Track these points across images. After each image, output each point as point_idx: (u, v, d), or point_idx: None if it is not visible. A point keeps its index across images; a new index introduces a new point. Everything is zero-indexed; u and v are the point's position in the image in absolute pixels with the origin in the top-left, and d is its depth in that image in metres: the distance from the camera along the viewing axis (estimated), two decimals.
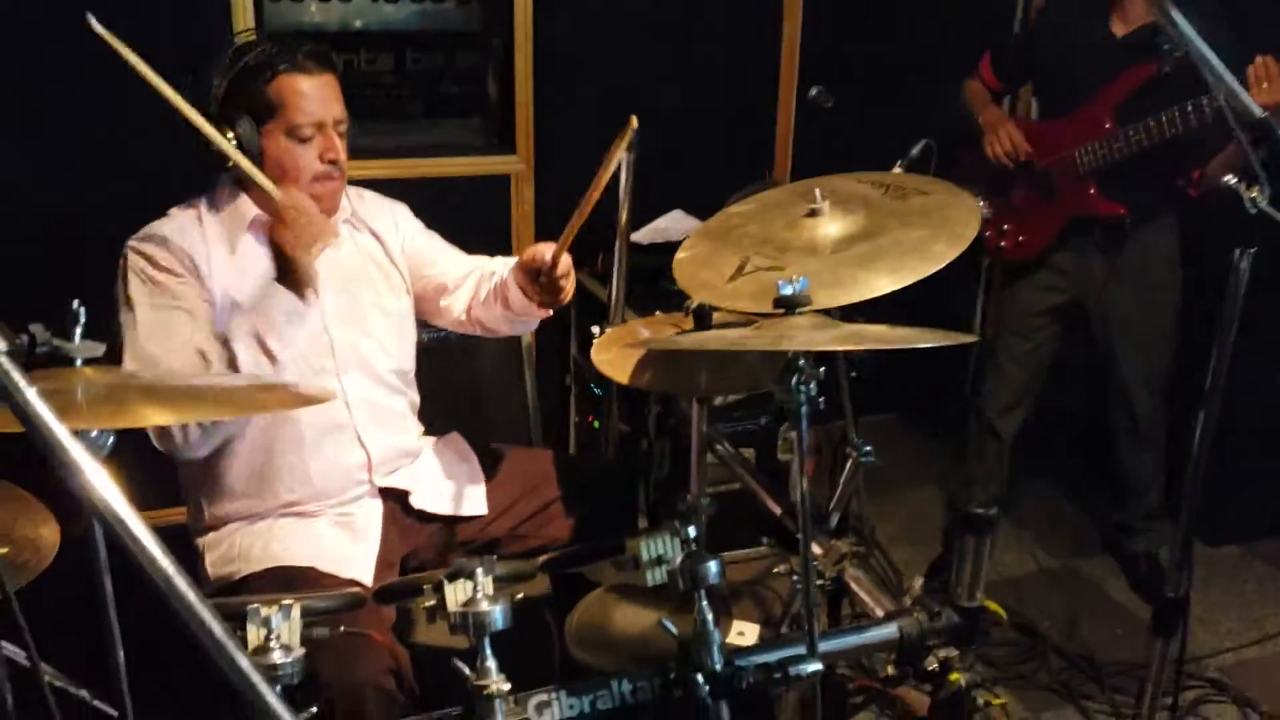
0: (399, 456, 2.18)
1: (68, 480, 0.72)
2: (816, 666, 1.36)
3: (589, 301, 3.41)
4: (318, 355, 2.03)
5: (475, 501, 2.20)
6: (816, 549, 1.89)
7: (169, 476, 2.08)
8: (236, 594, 1.95)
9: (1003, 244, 3.12)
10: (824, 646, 1.44)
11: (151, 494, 1.64)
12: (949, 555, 3.33)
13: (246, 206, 2.00)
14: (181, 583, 0.73)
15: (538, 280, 2.03)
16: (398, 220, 2.26)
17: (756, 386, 2.08)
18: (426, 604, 1.41)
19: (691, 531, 1.42)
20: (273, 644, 1.26)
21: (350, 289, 2.11)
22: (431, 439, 2.30)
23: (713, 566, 1.39)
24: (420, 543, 2.17)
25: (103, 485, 0.74)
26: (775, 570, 1.84)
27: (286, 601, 1.29)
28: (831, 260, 1.70)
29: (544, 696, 1.38)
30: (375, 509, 2.11)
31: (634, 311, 2.95)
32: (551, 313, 2.16)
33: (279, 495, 2.01)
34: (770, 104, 3.81)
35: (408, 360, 2.23)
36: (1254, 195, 1.56)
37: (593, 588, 1.88)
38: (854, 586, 1.78)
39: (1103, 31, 2.88)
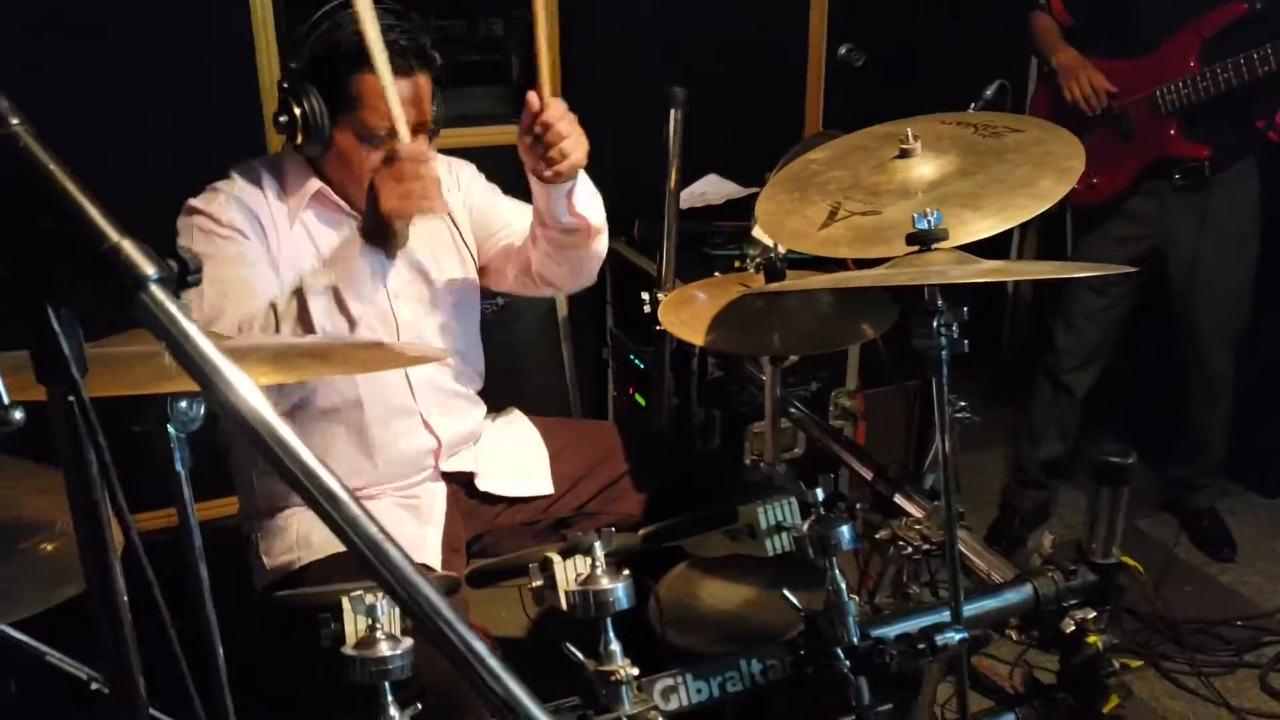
0: (464, 440, 2.07)
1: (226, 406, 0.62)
2: (964, 634, 1.24)
3: (628, 272, 3.29)
4: (382, 332, 1.92)
5: (541, 480, 2.08)
6: (917, 511, 1.78)
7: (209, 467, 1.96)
8: (296, 585, 1.84)
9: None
10: (965, 611, 1.32)
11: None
12: (1009, 517, 3.25)
13: (312, 183, 1.87)
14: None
15: (538, 144, 1.80)
16: (461, 180, 2.12)
17: (830, 345, 1.95)
18: (534, 584, 1.29)
19: (820, 493, 1.30)
20: (379, 634, 1.14)
21: (416, 263, 1.98)
22: (491, 416, 2.18)
23: (845, 531, 1.28)
24: (485, 525, 2.05)
25: (262, 406, 0.66)
26: (876, 536, 1.71)
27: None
28: (930, 200, 1.58)
29: (669, 681, 1.27)
30: (439, 491, 1.99)
31: (679, 279, 2.83)
32: (593, 225, 1.99)
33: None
34: (800, 63, 3.68)
35: (473, 341, 2.12)
36: None
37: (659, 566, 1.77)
38: (966, 550, 1.67)
39: None
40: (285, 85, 1.79)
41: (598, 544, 1.22)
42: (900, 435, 2.47)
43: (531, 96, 1.79)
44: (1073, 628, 1.43)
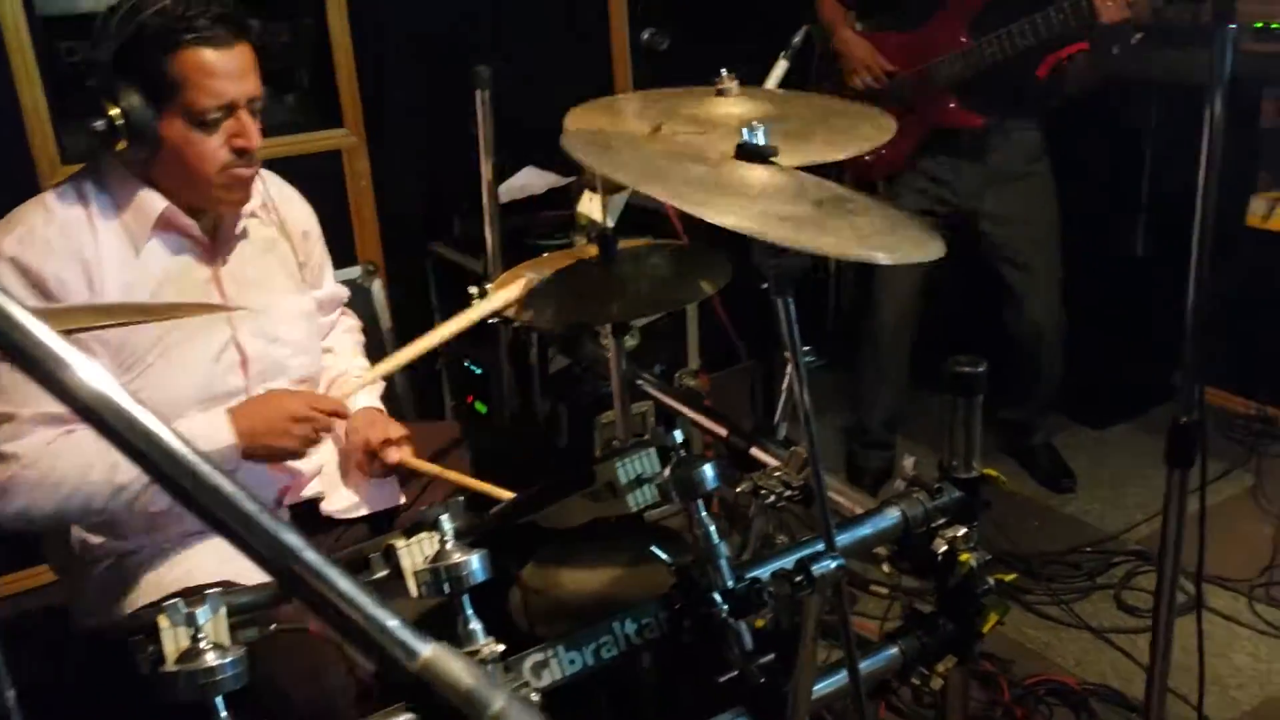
0: (312, 470, 1.91)
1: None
2: (840, 561, 1.19)
3: (452, 275, 3.17)
4: (224, 373, 1.74)
5: (389, 492, 1.94)
6: (773, 460, 1.74)
7: None
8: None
9: (865, 157, 3.05)
10: (840, 545, 1.27)
11: None
12: (857, 480, 3.27)
13: (152, 201, 1.66)
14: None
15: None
16: (306, 222, 1.99)
17: (670, 305, 1.90)
18: (378, 576, 1.17)
19: (677, 436, 1.23)
20: (204, 644, 1.00)
21: (261, 291, 1.82)
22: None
23: (708, 470, 1.21)
24: (335, 547, 1.90)
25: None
26: (737, 490, 1.65)
27: (211, 592, 1.04)
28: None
29: (539, 656, 1.17)
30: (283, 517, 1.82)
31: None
32: None
33: (183, 522, 1.69)
34: (605, 51, 3.63)
35: (318, 364, 1.97)
36: None
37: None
38: (832, 491, 1.62)
39: None
40: (93, 84, 1.59)
41: (444, 516, 1.11)
42: (745, 414, 2.46)
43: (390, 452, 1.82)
44: (944, 548, 1.40)
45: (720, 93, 1.60)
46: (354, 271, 2.97)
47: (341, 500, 1.91)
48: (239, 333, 1.76)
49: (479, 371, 3.10)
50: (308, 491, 1.89)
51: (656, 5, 3.54)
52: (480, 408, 3.08)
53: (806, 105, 1.71)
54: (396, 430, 1.88)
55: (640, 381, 2.10)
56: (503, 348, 2.47)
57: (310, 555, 0.55)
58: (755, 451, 1.80)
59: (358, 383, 1.93)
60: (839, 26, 3.02)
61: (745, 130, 1.17)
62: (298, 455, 1.70)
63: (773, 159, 1.17)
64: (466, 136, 2.47)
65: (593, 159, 1.37)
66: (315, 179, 3.12)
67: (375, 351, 3.09)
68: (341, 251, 2.36)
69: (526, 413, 2.75)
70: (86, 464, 1.55)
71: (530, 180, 3.16)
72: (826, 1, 3.07)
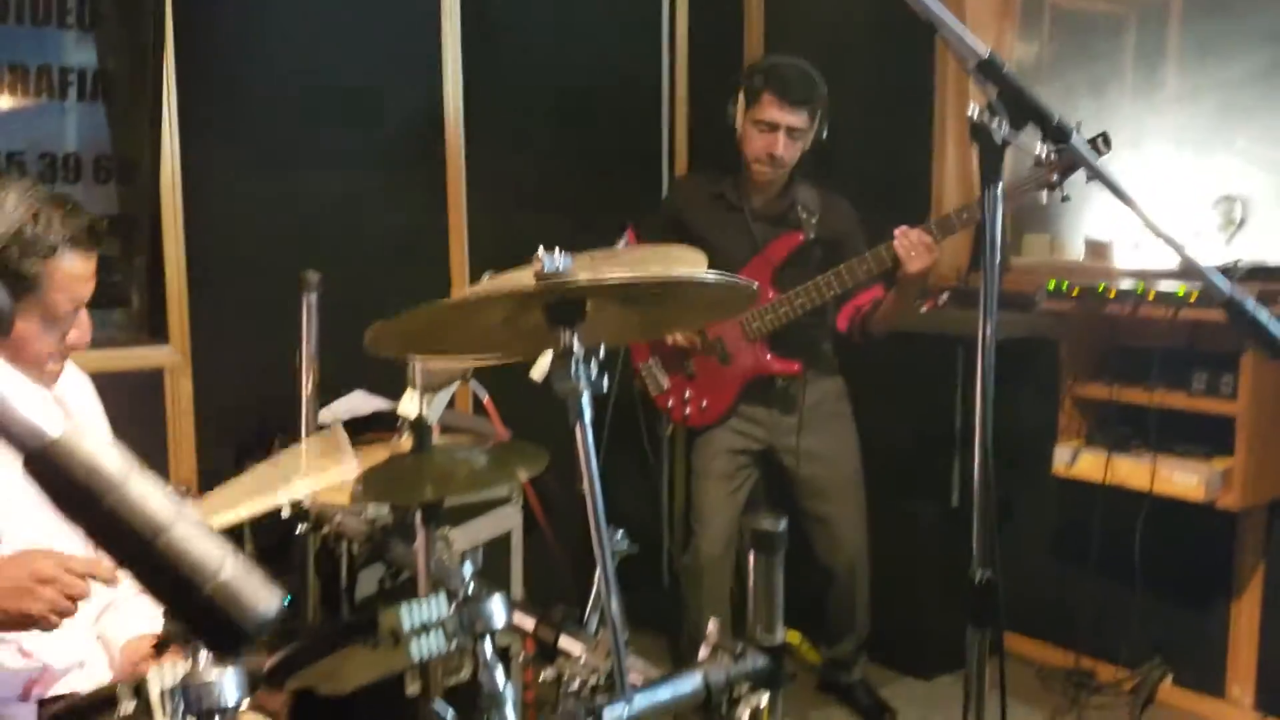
0: (67, 664, 1.74)
1: None
2: (634, 710, 1.13)
3: None
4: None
5: None
6: (577, 648, 1.66)
7: None
8: None
9: (688, 411, 3.17)
10: (637, 704, 1.21)
11: None
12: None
13: None
14: None
15: None
16: (90, 405, 1.97)
17: (483, 487, 1.86)
18: (123, 714, 1.05)
19: (468, 569, 1.18)
20: None
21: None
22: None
23: (496, 603, 1.15)
24: None
25: None
26: (540, 680, 1.57)
27: None
28: None
29: None
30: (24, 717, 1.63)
31: None
32: None
33: None
34: (443, 259, 3.73)
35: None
36: None
37: None
38: (632, 677, 1.55)
39: (740, 205, 3.08)
40: None
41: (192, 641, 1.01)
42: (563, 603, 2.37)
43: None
44: (747, 714, 1.34)
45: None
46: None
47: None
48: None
49: (287, 599, 2.93)
50: (63, 687, 1.70)
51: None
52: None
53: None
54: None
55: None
56: (309, 560, 2.35)
57: None
58: (563, 642, 1.72)
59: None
60: None
61: (545, 258, 1.20)
62: (46, 622, 1.53)
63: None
64: (296, 355, 2.45)
65: (396, 347, 1.39)
66: (133, 398, 3.06)
67: None
68: (155, 471, 2.26)
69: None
70: None
71: (358, 404, 3.12)
72: (630, 243, 3.21)
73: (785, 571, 2.72)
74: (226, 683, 0.99)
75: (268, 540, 3.09)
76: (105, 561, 1.64)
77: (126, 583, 1.92)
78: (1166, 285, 2.89)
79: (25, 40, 2.95)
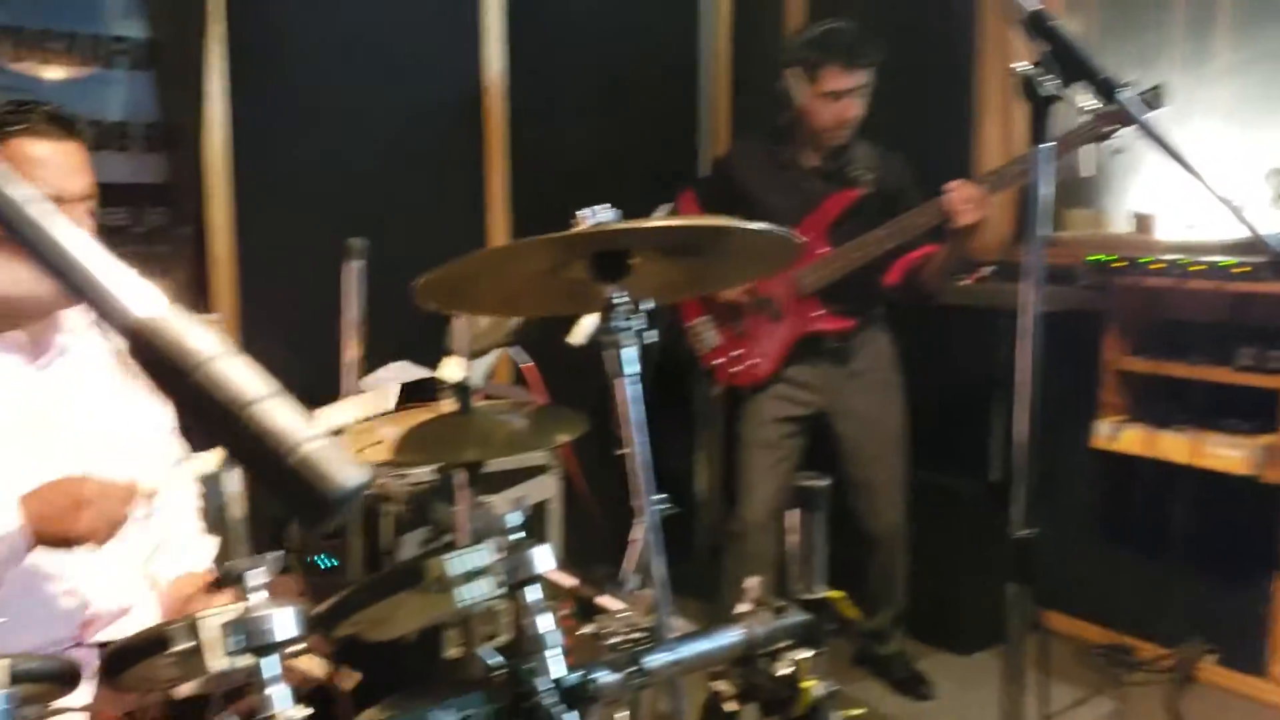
0: (122, 610, 1.79)
1: None
2: (675, 656, 1.14)
3: None
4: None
5: None
6: (617, 604, 1.69)
7: None
8: None
9: (738, 369, 3.16)
10: (678, 652, 1.22)
11: None
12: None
13: None
14: None
15: None
16: None
17: (523, 449, 1.90)
18: (179, 648, 1.08)
19: (513, 519, 1.20)
20: None
21: (84, 408, 1.76)
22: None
23: (541, 552, 1.17)
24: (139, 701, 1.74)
25: None
26: (579, 634, 1.60)
27: None
28: None
29: None
30: (88, 659, 1.68)
31: None
32: None
33: None
34: (482, 227, 3.75)
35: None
36: None
37: None
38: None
39: (795, 165, 3.08)
40: None
41: (249, 571, 1.04)
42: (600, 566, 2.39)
43: None
44: (788, 669, 1.35)
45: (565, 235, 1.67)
46: (211, 459, 2.88)
47: None
48: (56, 447, 1.69)
49: (332, 564, 2.97)
50: (114, 631, 1.75)
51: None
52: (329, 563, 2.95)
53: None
54: (220, 601, 1.78)
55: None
56: (353, 521, 2.39)
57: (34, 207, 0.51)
58: (603, 600, 1.75)
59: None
60: None
61: (591, 211, 1.21)
62: (93, 538, 1.59)
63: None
64: (340, 324, 2.49)
65: (443, 300, 1.41)
66: None
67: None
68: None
69: None
70: None
71: (401, 373, 3.15)
72: (687, 206, 3.23)
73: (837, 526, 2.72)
74: (282, 618, 1.01)
75: None
76: (143, 481, 1.69)
77: (174, 523, 1.97)
78: (1211, 258, 2.86)
79: (76, 9, 2.99)
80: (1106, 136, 2.06)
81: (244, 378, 0.50)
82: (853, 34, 2.94)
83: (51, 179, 1.61)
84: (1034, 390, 1.35)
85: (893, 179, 3.04)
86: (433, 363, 3.25)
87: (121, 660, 1.12)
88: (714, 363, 3.18)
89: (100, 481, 1.61)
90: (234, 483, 2.91)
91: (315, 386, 3.18)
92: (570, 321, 2.20)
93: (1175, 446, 3.00)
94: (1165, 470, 3.04)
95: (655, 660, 1.12)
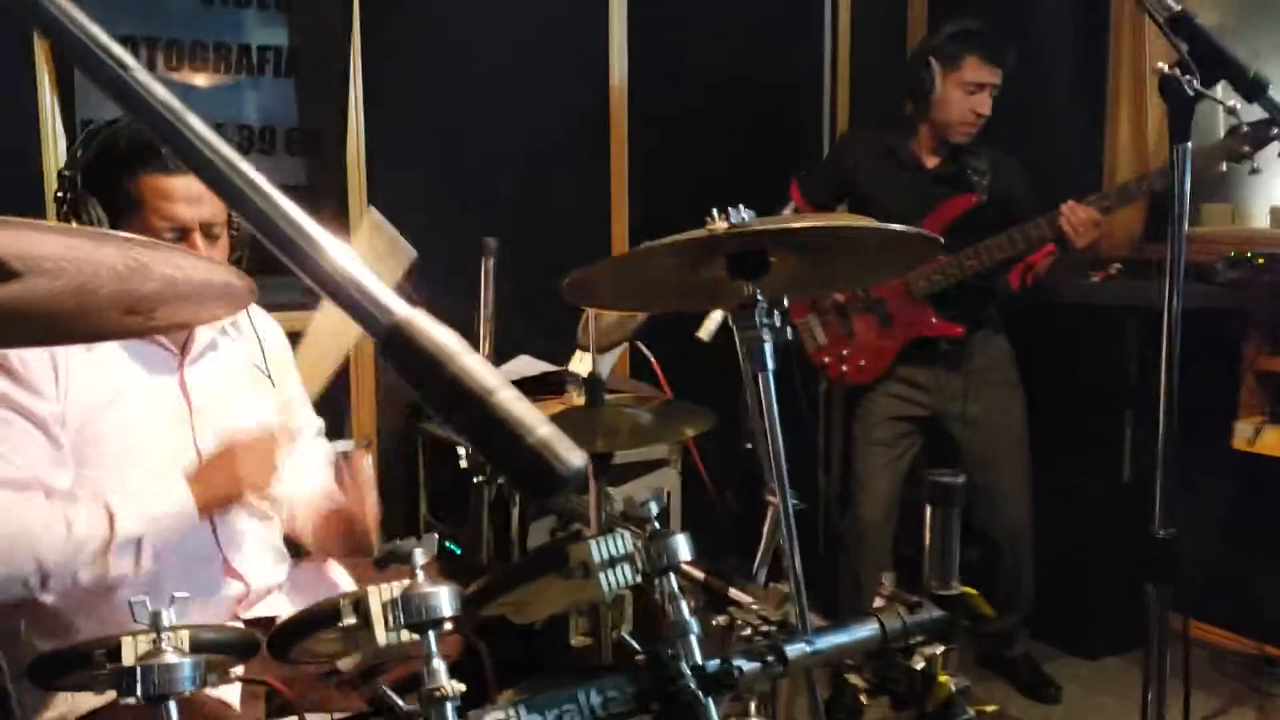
0: (269, 588, 1.91)
1: None
2: (814, 646, 1.17)
3: (440, 453, 3.21)
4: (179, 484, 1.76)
5: None
6: (747, 597, 1.72)
7: None
8: None
9: (844, 369, 3.17)
10: (817, 642, 1.25)
11: None
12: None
13: None
14: None
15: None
16: (283, 353, 2.09)
17: (650, 441, 1.94)
18: (345, 623, 1.15)
19: (653, 508, 1.24)
20: (165, 646, 0.98)
21: (226, 401, 1.88)
22: (294, 563, 2.03)
23: (681, 541, 1.21)
24: (287, 672, 1.85)
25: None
26: (713, 623, 1.63)
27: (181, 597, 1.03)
28: None
29: (500, 714, 1.13)
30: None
31: None
32: None
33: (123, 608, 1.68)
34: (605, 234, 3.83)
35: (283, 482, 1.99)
36: None
37: None
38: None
39: (914, 164, 3.07)
40: (61, 195, 1.73)
41: (418, 550, 1.11)
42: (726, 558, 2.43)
43: None
44: (922, 664, 1.37)
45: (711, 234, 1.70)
46: (347, 444, 3.00)
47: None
48: (200, 436, 1.81)
49: (459, 551, 3.08)
50: (263, 609, 1.86)
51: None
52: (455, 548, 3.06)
53: None
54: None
55: (618, 529, 2.09)
56: (485, 507, 2.47)
57: (301, 219, 0.58)
58: (733, 592, 1.78)
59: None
60: None
61: (731, 211, 1.25)
62: (257, 488, 1.75)
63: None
64: (466, 318, 2.57)
65: (582, 297, 1.48)
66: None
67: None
68: (334, 425, 2.42)
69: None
70: (42, 520, 1.59)
71: (525, 366, 3.24)
72: (794, 197, 3.23)
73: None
74: (443, 596, 1.08)
75: (442, 486, 3.27)
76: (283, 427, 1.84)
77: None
78: None
79: (225, 21, 3.16)
80: (1246, 157, 2.04)
81: (485, 370, 0.55)
82: (995, 32, 2.96)
83: (177, 211, 1.72)
84: (1172, 390, 1.33)
85: (1009, 186, 3.02)
86: (554, 358, 3.36)
87: (292, 633, 1.20)
88: (823, 360, 3.20)
89: (240, 446, 1.73)
90: (369, 470, 3.04)
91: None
92: (697, 319, 2.25)
93: None
94: None
95: (794, 650, 1.15)
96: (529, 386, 3.15)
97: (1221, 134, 2.41)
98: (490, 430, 0.54)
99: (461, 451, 2.32)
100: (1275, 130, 1.77)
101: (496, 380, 0.56)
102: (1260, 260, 2.93)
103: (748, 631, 1.62)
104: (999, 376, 3.12)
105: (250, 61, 3.21)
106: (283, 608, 1.89)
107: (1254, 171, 1.97)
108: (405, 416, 3.37)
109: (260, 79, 3.23)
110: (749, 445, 2.24)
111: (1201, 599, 3.38)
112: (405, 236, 3.34)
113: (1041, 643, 3.40)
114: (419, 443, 3.35)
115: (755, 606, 1.66)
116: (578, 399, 2.11)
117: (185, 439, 1.79)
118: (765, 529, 1.90)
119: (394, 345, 0.56)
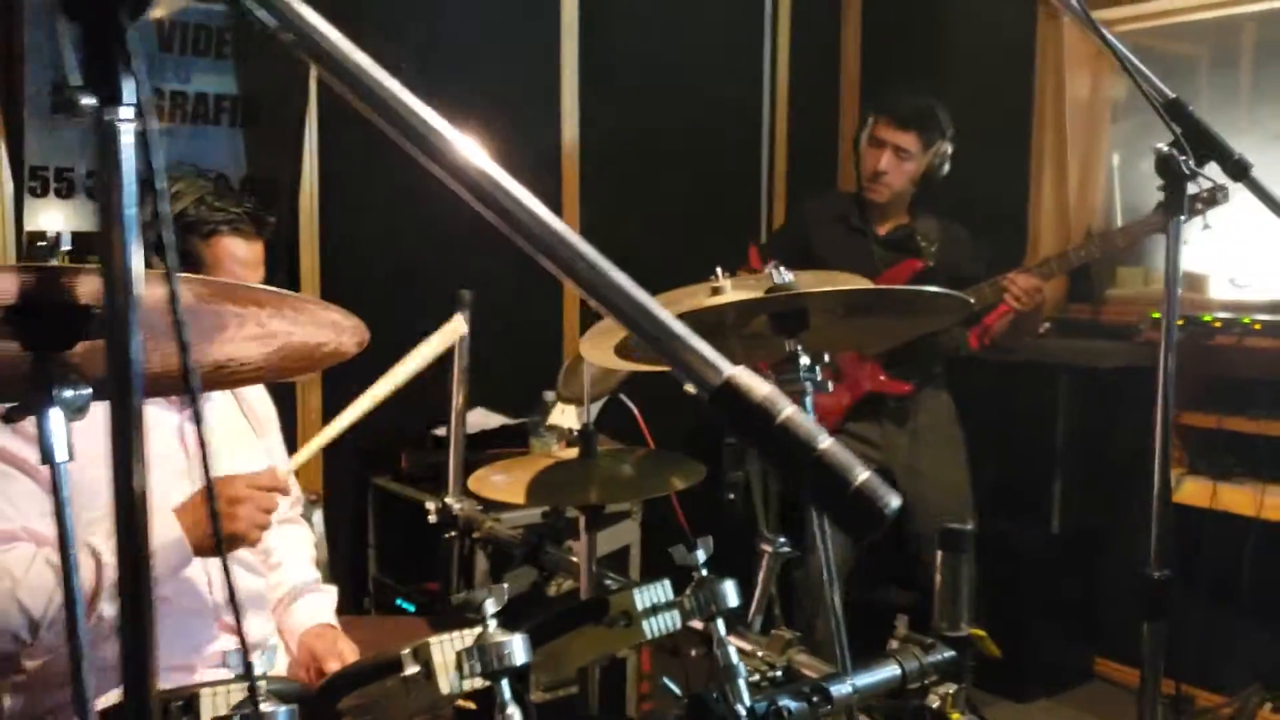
0: (260, 642, 1.90)
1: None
2: (858, 686, 1.23)
3: (394, 511, 3.19)
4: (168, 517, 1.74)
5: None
6: (746, 645, 1.77)
7: None
8: None
9: None
10: (858, 683, 1.31)
11: None
12: None
13: None
14: None
15: None
16: (267, 411, 2.13)
17: (640, 494, 1.98)
18: (407, 673, 1.16)
19: (700, 555, 1.29)
20: (260, 696, 0.99)
21: (222, 448, 1.88)
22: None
23: (728, 587, 1.26)
24: None
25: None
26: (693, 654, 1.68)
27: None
28: None
29: None
30: None
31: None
32: None
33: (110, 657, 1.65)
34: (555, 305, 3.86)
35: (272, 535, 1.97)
36: None
37: None
38: (805, 672, 1.65)
39: (864, 229, 3.21)
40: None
41: (489, 600, 1.13)
42: None
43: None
44: (937, 703, 1.44)
45: (715, 290, 1.77)
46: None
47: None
48: (197, 482, 1.80)
49: (412, 610, 3.06)
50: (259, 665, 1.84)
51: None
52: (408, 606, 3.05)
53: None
54: (349, 652, 1.89)
55: (609, 581, 2.12)
56: (454, 562, 2.46)
57: (644, 298, 0.63)
58: (732, 640, 1.82)
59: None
60: None
61: (772, 271, 1.31)
62: (249, 540, 1.69)
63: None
64: (438, 371, 2.58)
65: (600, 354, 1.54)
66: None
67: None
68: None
69: None
70: (24, 565, 1.57)
71: (479, 420, 3.24)
72: (754, 263, 3.34)
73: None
74: (516, 645, 1.10)
75: (392, 542, 3.25)
76: (279, 471, 1.80)
77: (298, 570, 2.07)
78: (1265, 317, 2.97)
79: (184, 69, 3.13)
80: (1199, 214, 2.19)
81: (807, 422, 0.60)
82: (910, 98, 3.12)
83: (242, 274, 1.79)
84: (1167, 442, 1.43)
85: (956, 253, 3.16)
86: (508, 410, 3.37)
87: (347, 683, 1.21)
88: None
89: (244, 476, 1.72)
90: (319, 525, 3.01)
91: (397, 432, 3.29)
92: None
93: (1237, 499, 3.08)
94: (1229, 521, 3.12)
95: (839, 690, 1.20)
96: (489, 441, 3.16)
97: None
98: (820, 476, 0.59)
99: (430, 506, 2.31)
100: (1221, 196, 1.91)
101: (817, 429, 0.61)
102: (1180, 321, 3.12)
103: (755, 678, 1.67)
104: (944, 433, 3.24)
105: (207, 109, 3.19)
106: (271, 664, 1.87)
107: (1206, 228, 2.11)
108: (356, 471, 3.34)
109: (217, 126, 3.21)
110: (730, 497, 2.31)
111: (1120, 642, 3.55)
112: (368, 287, 3.36)
113: (976, 687, 3.49)
114: (369, 499, 3.32)
115: (761, 654, 1.71)
116: (558, 452, 2.13)
117: (184, 489, 1.77)
118: (760, 577, 1.96)
119: (724, 399, 0.60)
